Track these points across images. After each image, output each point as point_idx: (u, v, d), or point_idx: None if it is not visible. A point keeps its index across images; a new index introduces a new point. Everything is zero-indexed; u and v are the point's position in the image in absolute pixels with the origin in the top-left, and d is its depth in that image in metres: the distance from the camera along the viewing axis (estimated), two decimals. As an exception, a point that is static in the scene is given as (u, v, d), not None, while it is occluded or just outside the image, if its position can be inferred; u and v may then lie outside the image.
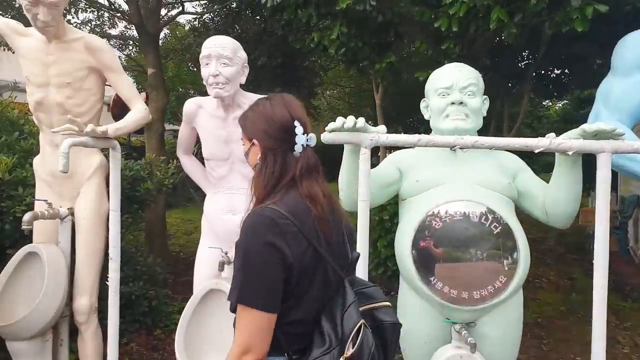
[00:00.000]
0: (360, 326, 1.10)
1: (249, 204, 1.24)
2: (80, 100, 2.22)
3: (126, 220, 3.68)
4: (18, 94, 4.03)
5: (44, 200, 2.24)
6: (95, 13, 7.89)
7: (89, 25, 7.79)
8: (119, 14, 7.16)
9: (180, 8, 6.56)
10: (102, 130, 1.88)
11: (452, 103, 1.84)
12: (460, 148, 1.65)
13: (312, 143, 1.25)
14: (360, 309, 1.16)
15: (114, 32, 8.76)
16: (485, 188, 1.79)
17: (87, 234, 2.26)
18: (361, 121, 1.59)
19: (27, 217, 2.08)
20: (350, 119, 1.58)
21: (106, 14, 8.17)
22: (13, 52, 2.41)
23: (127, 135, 11.58)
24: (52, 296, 2.12)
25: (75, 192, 2.30)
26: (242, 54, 2.11)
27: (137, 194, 3.28)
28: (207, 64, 2.03)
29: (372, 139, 1.62)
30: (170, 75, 10.00)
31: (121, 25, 8.47)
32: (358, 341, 1.07)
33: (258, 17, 6.16)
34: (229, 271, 2.14)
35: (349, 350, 1.07)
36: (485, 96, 1.94)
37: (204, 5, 7.52)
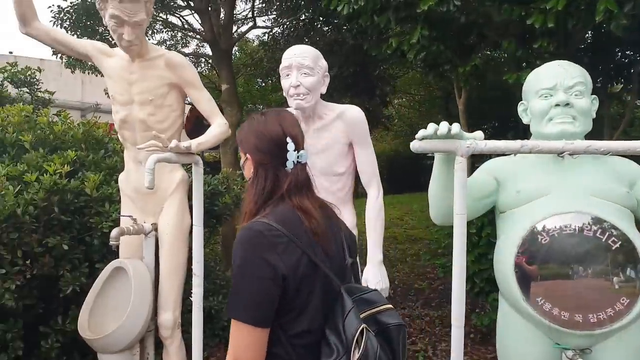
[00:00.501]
0: (363, 330, 1.11)
1: (241, 219, 1.27)
2: (162, 117, 2.28)
3: (204, 235, 3.77)
4: (101, 115, 4.30)
5: (129, 216, 2.31)
6: (169, 33, 8.31)
7: (164, 45, 8.21)
8: (192, 33, 7.50)
9: (252, 23, 6.74)
10: (186, 146, 1.91)
11: (557, 105, 1.67)
12: (570, 154, 1.49)
13: (304, 160, 1.28)
14: (363, 314, 1.18)
15: (187, 50, 9.18)
16: (599, 198, 1.61)
17: (170, 249, 2.31)
18: (456, 127, 1.48)
19: (114, 232, 2.15)
20: (444, 125, 1.47)
21: (179, 34, 8.60)
22: (96, 75, 2.54)
23: (201, 151, 12.10)
24: (139, 311, 2.17)
25: (159, 207, 2.36)
26: (323, 63, 2.08)
27: (216, 209, 3.34)
28: (287, 75, 2.02)
29: (469, 146, 1.50)
30: (240, 91, 10.33)
31: (193, 44, 8.85)
32: (362, 345, 1.09)
33: (328, 28, 6.20)
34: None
35: (355, 356, 1.08)
36: (594, 96, 1.76)
37: (273, 20, 7.71)
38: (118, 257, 2.40)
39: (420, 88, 16.44)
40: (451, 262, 3.54)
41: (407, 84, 15.57)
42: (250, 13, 6.91)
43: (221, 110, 5.48)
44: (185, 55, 8.45)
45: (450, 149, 1.51)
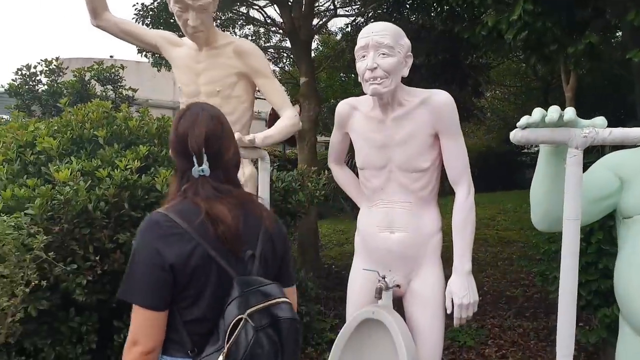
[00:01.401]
0: (239, 321, 1.17)
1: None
2: (230, 109, 2.19)
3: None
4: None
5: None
6: (251, 28, 8.40)
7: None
8: (273, 27, 7.51)
9: (333, 10, 6.59)
10: (250, 139, 1.78)
11: None
12: None
13: (207, 173, 1.30)
14: (258, 306, 1.21)
15: (268, 45, 9.26)
16: None
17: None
18: (570, 112, 1.20)
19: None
20: (555, 110, 1.20)
21: (261, 29, 8.67)
22: (169, 70, 2.50)
23: (282, 147, 12.26)
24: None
25: (226, 204, 2.27)
26: (405, 42, 1.83)
27: (289, 206, 3.24)
28: (363, 57, 1.80)
29: (586, 135, 1.21)
30: (322, 86, 10.25)
31: (275, 39, 8.89)
32: (233, 337, 1.15)
33: (414, 15, 5.88)
34: (387, 298, 1.88)
35: (225, 346, 1.15)
36: None
37: (356, 10, 7.51)
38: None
39: (515, 79, 15.43)
40: (551, 270, 3.16)
41: (501, 74, 14.66)
42: (332, 4, 6.77)
43: (300, 105, 5.44)
44: (266, 48, 8.52)
45: (562, 139, 1.23)
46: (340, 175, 2.23)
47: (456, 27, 3.91)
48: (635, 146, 1.36)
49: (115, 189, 2.40)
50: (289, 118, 2.13)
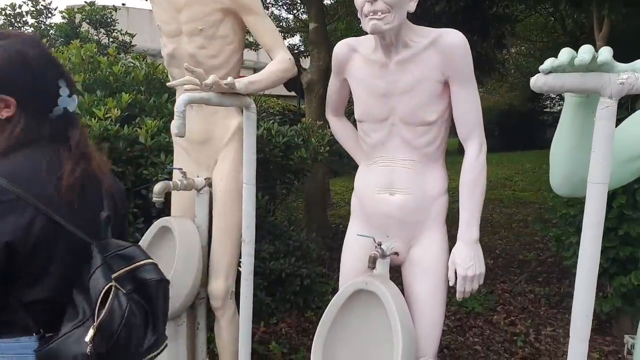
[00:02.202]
0: (110, 289, 1.07)
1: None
2: (214, 51, 1.97)
3: (280, 193, 3.53)
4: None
5: (179, 169, 2.07)
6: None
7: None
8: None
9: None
10: (228, 83, 1.57)
11: None
12: None
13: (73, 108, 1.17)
14: (120, 271, 1.13)
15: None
16: None
17: (223, 207, 2.05)
18: (606, 52, 0.98)
19: (157, 187, 1.93)
20: (587, 50, 0.98)
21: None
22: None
23: (297, 101, 11.93)
24: (183, 277, 1.96)
25: (213, 160, 2.10)
26: None
27: (291, 163, 3.07)
28: None
29: (623, 81, 0.99)
30: (339, 36, 9.85)
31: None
32: (107, 306, 1.05)
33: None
34: (383, 267, 1.71)
35: (99, 318, 1.04)
36: None
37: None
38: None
39: (542, 34, 14.74)
40: (567, 235, 2.98)
41: (527, 29, 14.01)
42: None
43: (310, 53, 5.15)
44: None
45: (594, 86, 1.01)
46: (339, 128, 2.02)
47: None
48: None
49: (94, 140, 2.24)
50: (281, 62, 1.90)
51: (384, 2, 1.48)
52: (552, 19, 12.84)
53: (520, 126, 14.44)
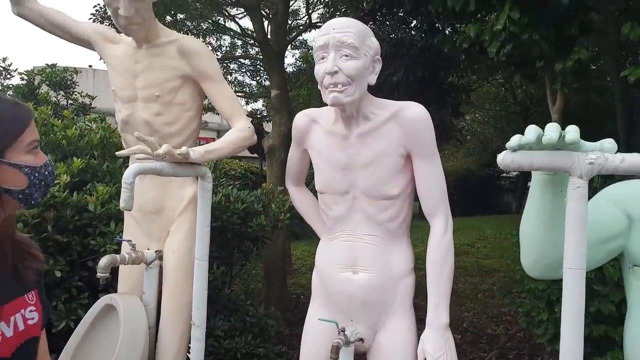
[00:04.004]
0: None
1: None
2: (172, 118, 1.89)
3: (238, 261, 3.37)
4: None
5: (128, 241, 1.92)
6: (227, 39, 8.19)
7: (221, 50, 8.07)
8: (249, 39, 7.27)
9: (307, 21, 6.39)
10: (182, 153, 1.48)
11: None
12: None
13: None
14: None
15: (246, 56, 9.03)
16: None
17: (173, 283, 1.90)
18: (573, 131, 0.95)
19: (103, 261, 1.77)
20: (554, 129, 0.94)
21: (239, 41, 8.43)
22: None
23: (260, 163, 11.90)
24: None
25: (165, 231, 1.97)
26: (373, 42, 1.53)
27: (250, 230, 2.94)
28: (322, 59, 1.50)
29: (592, 161, 0.95)
30: (300, 102, 10.03)
31: (253, 51, 8.67)
32: None
33: (395, 32, 5.70)
34: (346, 356, 1.57)
35: None
36: None
37: (329, 17, 7.34)
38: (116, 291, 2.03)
39: (495, 103, 15.56)
40: (537, 311, 2.89)
41: (481, 97, 14.78)
42: (307, 17, 6.55)
43: (271, 119, 5.15)
44: (236, 58, 8.22)
45: (563, 165, 0.97)
46: (299, 198, 1.94)
47: (436, 38, 3.66)
48: (645, 176, 1.11)
49: (38, 207, 2.08)
50: (240, 130, 1.83)
51: (344, 74, 1.45)
52: (503, 89, 13.60)
53: (479, 191, 14.81)
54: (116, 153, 1.69)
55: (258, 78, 10.16)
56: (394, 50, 5.31)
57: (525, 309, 3.12)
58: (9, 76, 4.55)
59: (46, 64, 4.42)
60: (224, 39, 8.40)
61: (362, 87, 1.49)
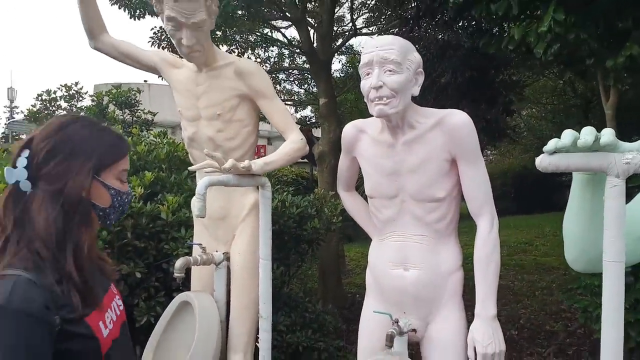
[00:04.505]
0: None
1: None
2: (232, 134, 2.06)
3: (295, 262, 3.53)
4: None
5: (198, 244, 2.11)
6: (275, 50, 8.41)
7: (268, 62, 8.31)
8: (295, 49, 7.47)
9: (352, 27, 6.50)
10: (244, 166, 1.64)
11: None
12: None
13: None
14: None
15: (294, 66, 9.24)
16: None
17: (240, 283, 2.06)
18: (608, 134, 1.02)
19: (178, 263, 1.95)
20: (589, 132, 1.01)
21: (285, 51, 8.66)
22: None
23: (310, 168, 12.12)
24: (204, 351, 1.94)
25: (231, 235, 2.14)
26: (415, 57, 1.64)
27: (305, 233, 3.09)
28: (367, 74, 1.62)
29: (628, 161, 1.02)
30: (348, 106, 10.13)
31: (299, 60, 8.87)
32: None
33: (441, 35, 5.72)
34: (400, 345, 1.68)
35: None
36: None
37: (379, 28, 7.41)
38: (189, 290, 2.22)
39: (553, 97, 15.00)
40: (594, 306, 2.88)
41: (537, 92, 14.28)
42: (352, 24, 6.67)
43: (321, 126, 5.30)
44: (285, 69, 8.44)
45: (599, 166, 1.04)
46: (350, 203, 2.06)
47: (481, 41, 3.66)
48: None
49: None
50: (293, 142, 1.98)
51: (388, 88, 1.56)
52: (561, 82, 13.07)
53: (537, 188, 14.32)
54: (189, 168, 1.87)
55: (305, 86, 10.37)
56: (441, 52, 5.33)
57: (581, 305, 3.09)
58: (80, 98, 4.97)
59: (112, 86, 4.80)
60: (271, 50, 8.65)
61: (405, 99, 1.60)
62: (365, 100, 1.66)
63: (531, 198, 13.96)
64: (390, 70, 1.56)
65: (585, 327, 4.08)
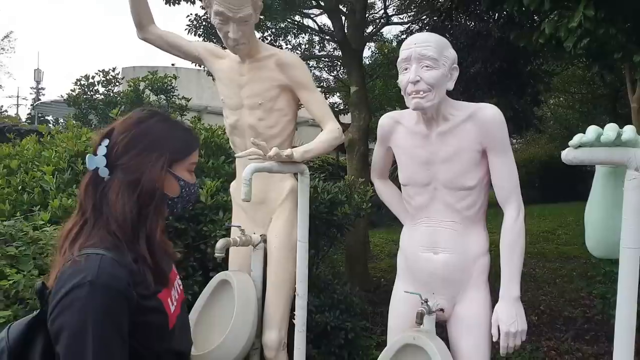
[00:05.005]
0: None
1: None
2: (272, 122, 2.17)
3: (322, 246, 3.65)
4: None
5: (237, 227, 2.24)
6: (305, 37, 8.48)
7: (299, 49, 8.38)
8: (326, 36, 7.53)
9: (384, 15, 6.52)
10: (287, 154, 1.76)
11: None
12: None
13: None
14: None
15: (323, 53, 9.29)
16: None
17: (277, 263, 2.19)
18: (629, 131, 1.10)
19: (219, 244, 2.09)
20: (612, 129, 1.10)
21: (316, 37, 8.72)
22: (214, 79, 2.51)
23: (336, 154, 12.24)
24: (242, 328, 2.08)
25: (268, 218, 2.27)
26: (450, 53, 1.74)
27: (335, 218, 3.20)
28: (405, 69, 1.73)
29: (647, 157, 1.10)
30: (377, 94, 10.16)
31: (329, 47, 8.92)
32: None
33: (472, 23, 5.71)
34: (429, 323, 1.79)
35: None
36: None
37: (410, 17, 7.40)
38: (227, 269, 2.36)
39: (581, 86, 14.72)
40: (613, 292, 2.95)
41: (565, 81, 14.03)
42: (383, 11, 6.70)
43: (351, 114, 5.38)
44: (318, 57, 8.52)
45: (620, 160, 1.13)
46: (384, 190, 2.17)
47: (511, 34, 3.69)
48: None
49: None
50: (331, 131, 2.09)
51: (425, 83, 1.66)
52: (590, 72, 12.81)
53: (562, 177, 14.15)
54: (235, 155, 1.99)
55: (335, 72, 10.43)
56: (471, 42, 5.34)
57: (600, 292, 3.15)
58: (117, 84, 5.17)
59: (148, 72, 4.99)
60: (302, 36, 8.72)
61: (441, 93, 1.70)
62: (402, 93, 1.76)
63: (556, 187, 13.80)
64: (427, 66, 1.66)
65: (603, 313, 4.12)
